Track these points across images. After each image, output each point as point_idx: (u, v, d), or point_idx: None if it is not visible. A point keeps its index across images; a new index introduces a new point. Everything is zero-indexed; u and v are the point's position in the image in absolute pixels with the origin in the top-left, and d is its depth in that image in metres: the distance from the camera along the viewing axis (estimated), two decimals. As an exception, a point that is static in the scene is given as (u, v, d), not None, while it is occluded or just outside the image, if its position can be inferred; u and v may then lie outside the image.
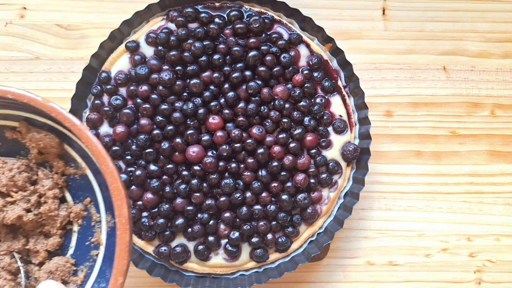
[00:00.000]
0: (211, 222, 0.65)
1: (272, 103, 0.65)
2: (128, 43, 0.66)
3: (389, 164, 0.73)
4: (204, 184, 0.64)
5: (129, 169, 0.65)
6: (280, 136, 0.65)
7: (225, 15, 0.67)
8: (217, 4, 0.67)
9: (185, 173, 0.64)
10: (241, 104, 0.65)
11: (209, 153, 0.64)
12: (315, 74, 0.67)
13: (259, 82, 0.65)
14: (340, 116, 0.67)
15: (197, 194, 0.64)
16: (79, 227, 0.57)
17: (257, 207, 0.65)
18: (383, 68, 0.74)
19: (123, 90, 0.66)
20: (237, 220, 0.65)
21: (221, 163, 0.64)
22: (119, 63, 0.66)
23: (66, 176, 0.58)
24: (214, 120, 0.64)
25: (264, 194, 0.65)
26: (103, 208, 0.56)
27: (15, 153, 0.58)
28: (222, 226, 0.65)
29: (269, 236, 0.65)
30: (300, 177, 0.64)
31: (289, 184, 0.65)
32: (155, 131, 0.64)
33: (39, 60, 0.72)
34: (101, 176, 0.52)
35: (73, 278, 0.56)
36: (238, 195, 0.64)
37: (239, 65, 0.66)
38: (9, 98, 0.51)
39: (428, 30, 0.75)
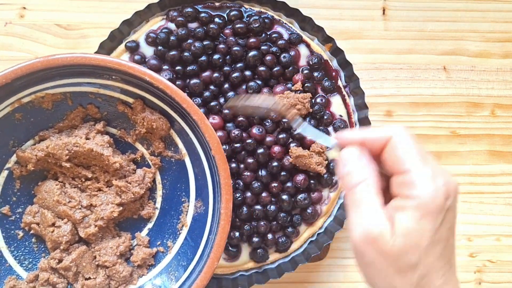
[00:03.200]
0: (211, 222, 0.65)
1: (272, 103, 0.65)
2: (128, 43, 0.66)
3: (389, 164, 0.73)
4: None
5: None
6: (280, 136, 0.65)
7: (225, 15, 0.67)
8: (217, 4, 0.67)
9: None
10: (241, 104, 0.65)
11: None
12: (315, 74, 0.67)
13: (259, 82, 0.65)
14: (341, 116, 0.67)
15: (197, 194, 0.64)
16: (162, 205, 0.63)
17: (257, 207, 0.65)
18: (383, 68, 0.74)
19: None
20: (237, 220, 0.65)
21: (221, 163, 0.64)
22: (118, 63, 0.66)
23: (161, 157, 0.62)
24: (214, 120, 0.64)
25: (264, 194, 0.65)
26: (194, 194, 0.61)
27: (116, 125, 0.62)
28: (222, 226, 0.65)
29: (269, 236, 0.65)
30: (300, 177, 0.64)
31: (289, 184, 0.65)
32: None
33: (39, 60, 0.71)
34: (201, 165, 0.59)
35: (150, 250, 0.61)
36: (238, 195, 0.64)
37: (239, 65, 0.66)
38: (131, 74, 0.55)
39: (428, 30, 0.75)
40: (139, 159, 0.62)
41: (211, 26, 0.65)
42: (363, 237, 0.40)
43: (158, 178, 0.62)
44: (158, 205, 0.63)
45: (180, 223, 0.61)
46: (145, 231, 0.63)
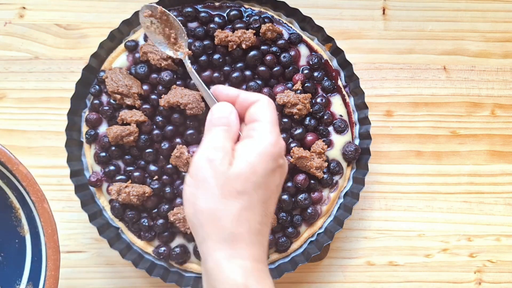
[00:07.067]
0: (211, 222, 0.64)
1: (272, 103, 0.65)
2: (127, 43, 0.66)
3: (389, 164, 0.73)
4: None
5: (128, 168, 0.65)
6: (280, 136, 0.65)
7: (224, 15, 0.67)
8: (216, 3, 0.67)
9: (185, 173, 0.64)
10: (241, 104, 0.65)
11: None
12: (315, 74, 0.67)
13: (259, 82, 0.65)
14: (341, 116, 0.67)
15: (197, 194, 0.64)
16: None
17: (257, 207, 0.65)
18: (383, 68, 0.74)
19: (122, 90, 0.66)
20: (237, 220, 0.65)
21: (221, 163, 0.64)
22: (118, 62, 0.66)
23: None
24: (214, 120, 0.64)
25: (264, 194, 0.65)
26: (27, 276, 0.57)
27: None
28: (222, 226, 0.65)
29: (269, 236, 0.65)
30: (300, 177, 0.64)
31: (289, 184, 0.65)
32: (155, 132, 0.64)
33: (38, 60, 0.71)
34: (39, 246, 0.55)
35: None
36: (238, 195, 0.64)
37: (239, 64, 0.65)
38: None
39: (428, 29, 0.75)
40: None
41: (211, 26, 0.65)
42: (204, 156, 0.45)
43: None
44: None
45: None
46: None
